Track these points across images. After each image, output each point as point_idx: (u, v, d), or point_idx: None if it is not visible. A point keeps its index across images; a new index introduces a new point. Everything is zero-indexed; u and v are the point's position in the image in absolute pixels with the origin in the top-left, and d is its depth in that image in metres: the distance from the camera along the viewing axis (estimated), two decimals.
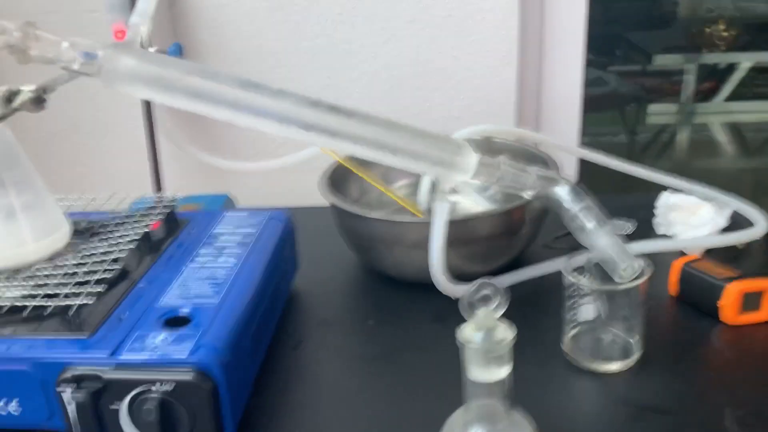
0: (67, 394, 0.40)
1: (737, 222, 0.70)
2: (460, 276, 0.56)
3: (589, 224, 0.50)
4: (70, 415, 0.41)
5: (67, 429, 0.42)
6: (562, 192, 0.52)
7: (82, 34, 0.44)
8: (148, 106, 0.81)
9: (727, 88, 2.20)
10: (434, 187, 0.67)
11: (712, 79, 2.21)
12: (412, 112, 0.89)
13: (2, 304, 0.46)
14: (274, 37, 0.85)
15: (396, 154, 0.49)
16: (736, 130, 2.25)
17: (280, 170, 0.91)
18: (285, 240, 0.60)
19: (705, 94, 2.21)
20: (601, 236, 0.50)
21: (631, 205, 0.78)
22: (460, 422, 0.40)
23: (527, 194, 0.53)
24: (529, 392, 0.49)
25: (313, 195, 0.78)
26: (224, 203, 0.78)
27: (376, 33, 0.85)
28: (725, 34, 2.05)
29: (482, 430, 0.39)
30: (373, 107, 0.86)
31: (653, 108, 2.27)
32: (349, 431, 0.46)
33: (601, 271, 0.51)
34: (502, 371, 0.38)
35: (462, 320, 0.37)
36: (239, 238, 0.57)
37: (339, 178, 0.70)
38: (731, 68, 2.19)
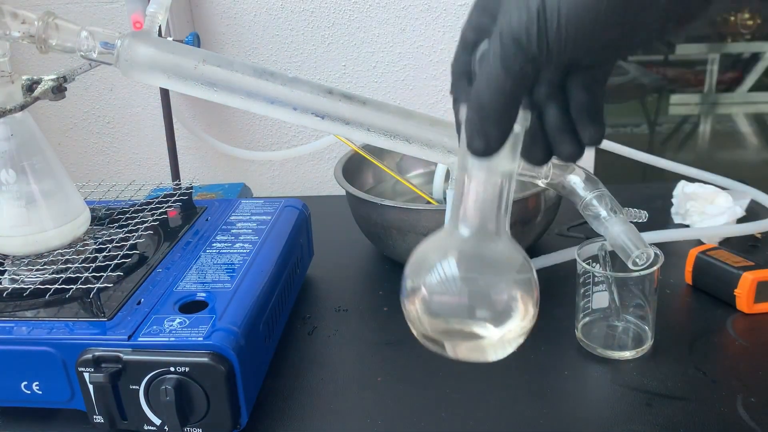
0: (88, 375, 0.42)
1: (755, 211, 0.69)
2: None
3: (603, 212, 0.50)
4: (91, 395, 0.42)
5: (88, 409, 0.43)
6: (576, 180, 0.52)
7: (101, 25, 0.45)
8: (166, 95, 0.82)
9: (751, 78, 2.15)
10: (448, 176, 0.67)
11: (736, 68, 2.17)
12: (428, 101, 0.89)
13: (24, 287, 0.47)
14: (289, 26, 0.86)
15: (410, 143, 0.49)
16: (760, 120, 2.20)
17: (295, 159, 0.92)
18: (300, 227, 0.61)
19: (728, 85, 2.17)
20: (615, 224, 0.50)
21: (647, 194, 0.77)
22: (446, 241, 0.34)
23: (541, 182, 0.53)
24: (543, 379, 0.49)
25: (329, 184, 0.79)
26: (240, 192, 0.79)
27: (392, 22, 0.85)
28: (750, 22, 2.01)
29: (471, 251, 0.33)
30: (389, 96, 0.87)
31: (675, 98, 2.23)
32: (362, 416, 0.46)
33: (615, 259, 0.50)
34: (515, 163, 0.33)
35: None
36: (255, 226, 0.57)
37: (354, 168, 0.71)
38: (755, 58, 2.14)
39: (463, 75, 0.32)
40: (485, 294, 0.32)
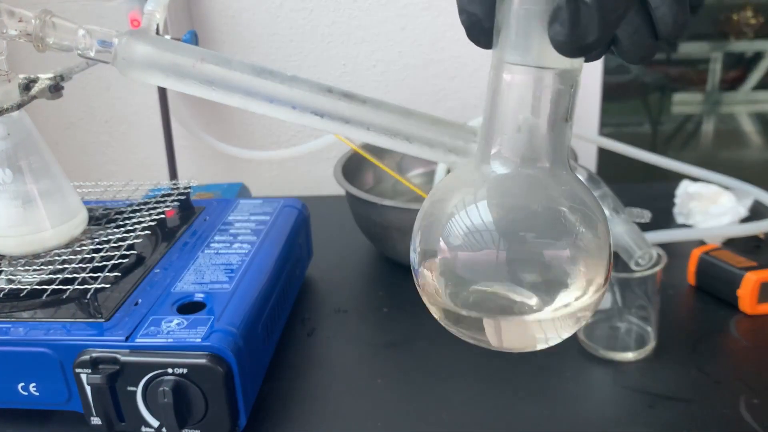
0: (85, 376, 0.41)
1: (758, 211, 0.69)
2: None
3: (606, 211, 0.50)
4: (88, 396, 0.42)
5: (85, 411, 0.43)
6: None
7: (99, 23, 0.44)
8: (163, 94, 0.81)
9: (755, 77, 2.15)
10: None
11: (739, 67, 2.16)
12: (429, 100, 0.89)
13: (21, 288, 0.47)
14: (289, 25, 0.85)
15: (410, 142, 0.48)
16: (763, 119, 2.20)
17: (294, 159, 0.92)
18: (299, 227, 0.60)
19: (731, 83, 2.17)
20: (618, 224, 0.49)
21: (650, 194, 0.77)
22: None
23: None
24: (545, 381, 0.48)
25: (328, 184, 0.78)
26: (239, 192, 0.79)
27: (392, 20, 0.84)
28: (753, 21, 2.01)
29: (510, 189, 0.23)
30: (389, 95, 0.87)
31: (678, 97, 2.22)
32: (361, 418, 0.46)
33: (617, 260, 0.50)
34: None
35: None
36: (253, 226, 0.57)
37: (354, 167, 0.70)
38: (758, 56, 2.14)
39: None
40: (534, 249, 0.23)
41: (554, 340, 0.25)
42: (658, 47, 0.23)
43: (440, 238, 0.24)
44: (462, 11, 0.23)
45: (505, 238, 0.22)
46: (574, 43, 0.21)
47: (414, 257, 0.25)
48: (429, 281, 0.25)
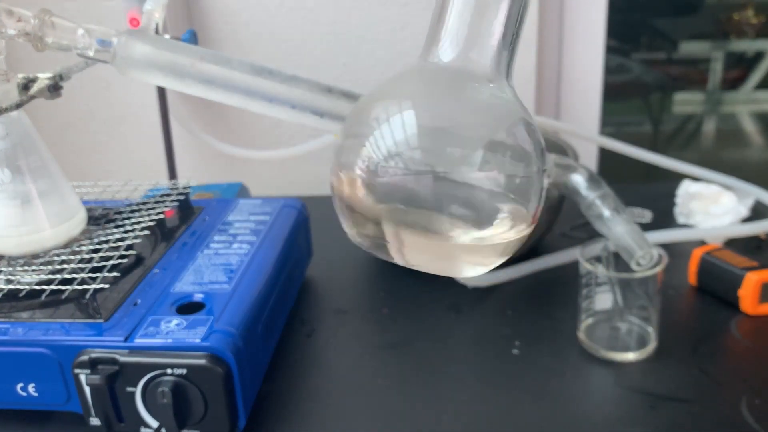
0: (84, 376, 0.41)
1: (759, 211, 0.69)
2: None
3: (606, 212, 0.50)
4: (87, 397, 0.42)
5: (84, 411, 0.43)
6: (579, 179, 0.51)
7: (98, 23, 0.44)
8: (162, 94, 0.81)
9: (756, 77, 2.14)
10: None
11: (740, 67, 2.16)
12: None
13: (20, 288, 0.46)
14: (288, 24, 0.85)
15: None
16: (764, 119, 2.19)
17: (294, 159, 0.92)
18: (298, 227, 0.60)
19: (732, 83, 2.16)
20: (618, 224, 0.49)
21: (651, 194, 0.77)
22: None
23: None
24: (545, 381, 0.48)
25: (328, 184, 0.78)
26: (238, 192, 0.78)
27: (392, 19, 0.84)
28: (754, 20, 2.00)
29: (445, 90, 0.21)
30: None
31: (679, 97, 2.22)
32: (362, 419, 0.46)
33: (618, 260, 0.50)
34: None
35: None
36: (253, 226, 0.57)
37: None
38: (760, 56, 2.14)
39: None
40: (459, 164, 0.20)
41: (480, 270, 0.23)
42: None
43: (361, 143, 0.21)
44: None
45: (430, 157, 0.20)
46: None
47: (336, 153, 0.22)
48: (341, 186, 0.22)
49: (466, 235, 0.21)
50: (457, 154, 0.20)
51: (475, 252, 0.21)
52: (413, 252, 0.22)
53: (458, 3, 0.21)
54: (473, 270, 0.23)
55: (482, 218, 0.21)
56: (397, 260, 0.22)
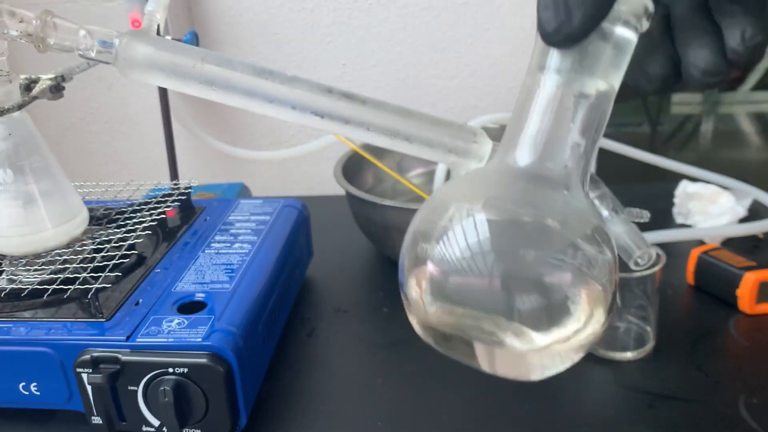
0: (86, 375, 0.41)
1: (757, 211, 0.69)
2: None
3: (605, 212, 0.50)
4: (89, 396, 0.42)
5: (86, 410, 0.43)
6: None
7: (100, 24, 0.44)
8: (164, 95, 0.81)
9: (754, 77, 2.15)
10: (449, 176, 0.66)
11: (738, 68, 2.16)
12: (429, 100, 0.89)
13: (22, 288, 0.47)
14: (289, 25, 0.85)
15: (410, 142, 0.48)
16: (762, 120, 2.20)
17: (295, 159, 0.92)
18: (299, 227, 0.60)
19: (730, 84, 2.17)
20: (617, 224, 0.49)
21: (649, 194, 0.77)
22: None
23: None
24: (544, 380, 0.48)
25: (328, 184, 0.78)
26: (239, 192, 0.79)
27: (392, 20, 0.85)
28: None
29: (520, 196, 0.21)
30: (390, 95, 0.87)
31: (677, 97, 2.22)
32: (362, 418, 0.46)
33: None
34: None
35: None
36: (254, 226, 0.57)
37: (354, 167, 0.70)
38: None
39: None
40: (533, 275, 0.20)
41: (550, 372, 0.23)
42: (726, 69, 0.21)
43: (431, 252, 0.22)
44: (558, 16, 0.20)
45: (501, 261, 0.20)
46: (541, 28, 0.20)
47: (404, 254, 0.23)
48: (415, 295, 0.22)
49: (540, 339, 0.21)
50: (531, 257, 0.20)
51: (548, 355, 0.22)
52: (485, 357, 0.22)
53: (537, 113, 0.22)
54: (551, 370, 0.23)
55: (553, 321, 0.21)
56: (473, 365, 0.23)
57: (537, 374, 0.23)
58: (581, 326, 0.21)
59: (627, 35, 0.21)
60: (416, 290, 0.22)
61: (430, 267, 0.21)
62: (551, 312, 0.21)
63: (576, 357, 0.22)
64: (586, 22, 0.19)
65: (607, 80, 0.21)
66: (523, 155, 0.22)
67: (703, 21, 0.21)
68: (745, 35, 0.20)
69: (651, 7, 0.21)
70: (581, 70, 0.21)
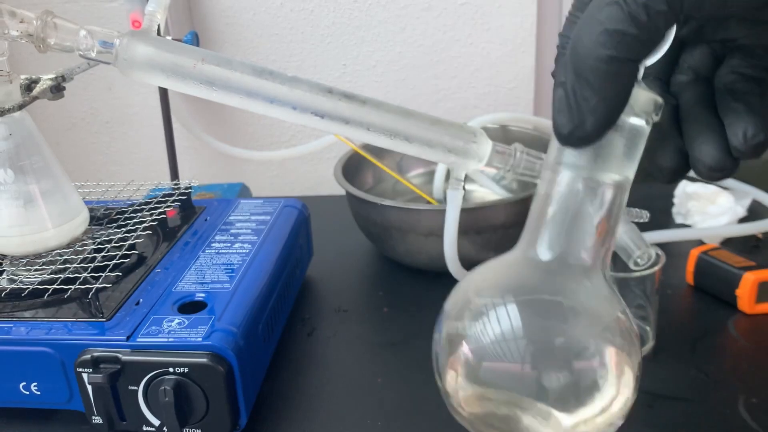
0: (86, 375, 0.41)
1: (756, 211, 0.69)
2: (474, 264, 0.56)
3: None
4: (89, 396, 0.42)
5: (86, 410, 0.43)
6: None
7: (100, 24, 0.44)
8: (164, 95, 0.81)
9: None
10: (449, 176, 0.67)
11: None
12: (429, 100, 0.89)
13: (23, 287, 0.47)
14: (289, 25, 0.85)
15: (410, 142, 0.49)
16: None
17: (295, 159, 0.92)
18: (299, 227, 0.60)
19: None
20: None
21: (649, 194, 0.77)
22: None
23: None
24: None
25: (328, 184, 0.78)
26: (239, 192, 0.79)
27: (392, 21, 0.85)
28: None
29: (546, 289, 0.23)
30: (389, 95, 0.87)
31: None
32: (362, 417, 0.46)
33: (616, 259, 0.50)
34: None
35: None
36: (254, 226, 0.57)
37: (354, 167, 0.70)
38: None
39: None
40: (561, 360, 0.22)
41: None
42: (731, 165, 0.22)
43: (464, 333, 0.23)
44: (572, 106, 0.20)
45: (532, 347, 0.22)
46: (556, 130, 0.21)
47: (438, 335, 0.24)
48: (448, 373, 0.24)
49: (569, 420, 0.22)
50: (559, 343, 0.22)
51: None
52: None
53: (556, 209, 0.23)
54: None
55: (582, 403, 0.22)
56: None
57: None
58: (607, 405, 0.22)
59: (640, 128, 0.22)
60: (452, 375, 0.24)
61: (466, 351, 0.23)
62: (580, 395, 0.22)
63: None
64: (600, 126, 0.20)
65: (621, 172, 0.23)
66: (544, 250, 0.23)
67: (709, 116, 0.22)
68: (747, 134, 0.21)
69: (661, 100, 0.22)
70: (597, 164, 0.22)
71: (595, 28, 0.19)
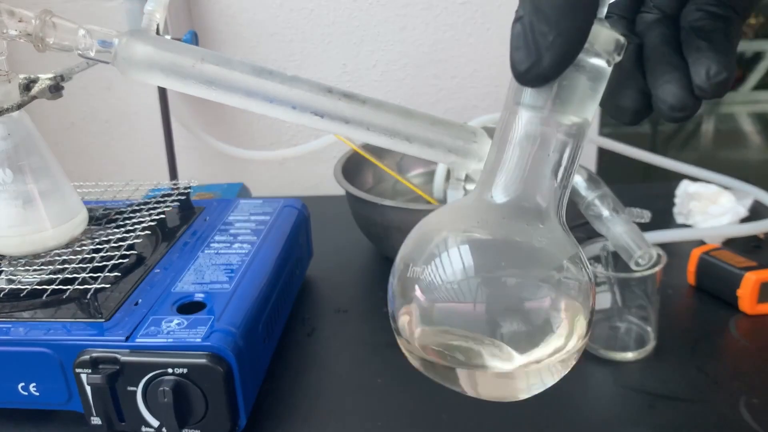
0: (85, 376, 0.41)
1: (758, 211, 0.69)
2: None
3: (605, 212, 0.50)
4: (88, 396, 0.42)
5: (85, 411, 0.43)
6: (578, 180, 0.51)
7: (99, 23, 0.44)
8: (164, 94, 0.81)
9: (754, 77, 2.15)
10: (449, 176, 0.66)
11: (739, 67, 2.16)
12: (429, 100, 0.89)
13: (21, 288, 0.47)
14: (289, 25, 0.85)
15: (410, 142, 0.48)
16: (763, 119, 2.20)
17: (295, 159, 0.92)
18: (299, 227, 0.60)
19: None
20: (617, 224, 0.49)
21: (650, 194, 0.77)
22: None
23: None
24: None
25: (328, 184, 0.78)
26: (239, 192, 0.79)
27: (392, 20, 0.84)
28: (753, 21, 2.01)
29: (499, 230, 0.23)
30: (390, 95, 0.87)
31: None
32: (361, 418, 0.46)
33: (617, 260, 0.50)
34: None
35: None
36: (253, 226, 0.57)
37: (354, 167, 0.70)
38: (758, 56, 2.14)
39: None
40: (514, 299, 0.22)
41: (536, 389, 0.25)
42: (693, 104, 0.21)
43: (419, 280, 0.23)
44: (530, 41, 0.20)
45: (485, 287, 0.22)
46: (513, 67, 0.20)
47: (391, 282, 0.25)
48: (404, 321, 0.24)
49: (523, 359, 0.23)
50: (511, 283, 0.22)
51: (534, 373, 0.24)
52: (469, 380, 0.24)
53: (513, 150, 0.23)
54: (535, 388, 0.25)
55: (536, 341, 0.23)
56: (460, 390, 0.25)
57: (523, 393, 0.25)
58: (562, 344, 0.23)
59: (600, 68, 0.22)
60: (405, 316, 0.24)
61: (419, 293, 0.23)
62: (533, 333, 0.22)
63: (557, 375, 0.24)
64: (558, 62, 0.20)
65: (581, 114, 0.22)
66: (499, 194, 0.23)
67: (673, 56, 0.21)
68: (710, 72, 0.20)
69: (623, 40, 0.21)
70: (555, 105, 0.22)
71: None
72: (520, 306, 0.22)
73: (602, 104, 0.23)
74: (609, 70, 0.22)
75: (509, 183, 0.23)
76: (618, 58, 0.22)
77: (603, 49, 0.21)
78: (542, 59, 0.20)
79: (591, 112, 0.22)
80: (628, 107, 0.22)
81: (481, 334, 0.22)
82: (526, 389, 0.25)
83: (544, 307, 0.22)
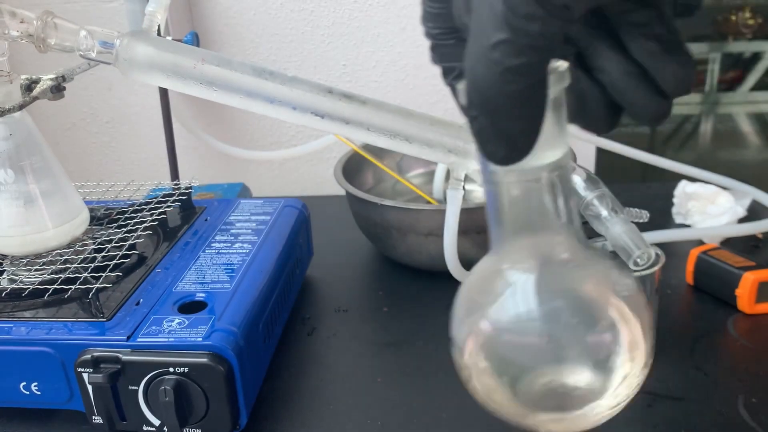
0: (87, 375, 0.41)
1: (756, 211, 0.69)
2: (474, 264, 0.56)
3: (604, 212, 0.50)
4: (90, 396, 0.42)
5: (87, 410, 0.43)
6: (577, 180, 0.51)
7: (100, 24, 0.44)
8: (165, 95, 0.81)
9: (752, 78, 2.15)
10: (449, 176, 0.67)
11: (737, 68, 2.16)
12: (429, 100, 0.89)
13: (23, 287, 0.47)
14: (289, 25, 0.85)
15: (410, 142, 0.49)
16: (761, 120, 2.20)
17: (295, 159, 0.92)
18: (299, 227, 0.60)
19: (729, 84, 2.17)
20: (616, 223, 0.49)
21: (649, 194, 0.77)
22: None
23: None
24: None
25: (328, 184, 0.78)
26: (239, 192, 0.79)
27: (392, 21, 0.85)
28: (751, 22, 2.01)
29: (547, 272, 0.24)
30: (390, 95, 0.87)
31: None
32: (362, 417, 0.46)
33: (616, 259, 0.50)
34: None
35: None
36: (254, 226, 0.57)
37: (354, 167, 0.70)
38: (756, 57, 2.14)
39: (445, 33, 0.23)
40: (575, 331, 0.23)
41: (613, 412, 0.26)
42: (669, 106, 0.21)
43: (485, 319, 0.25)
44: (496, 136, 0.20)
45: (548, 322, 0.23)
46: (491, 160, 0.21)
47: (457, 333, 0.26)
48: (468, 357, 0.26)
49: (605, 391, 0.24)
50: (574, 322, 0.23)
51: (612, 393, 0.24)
52: (557, 420, 0.25)
53: (512, 213, 0.24)
54: (614, 409, 0.26)
55: (602, 377, 0.24)
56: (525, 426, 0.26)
57: (601, 415, 0.25)
58: (629, 370, 0.24)
59: (556, 98, 0.21)
60: (470, 351, 0.26)
61: (486, 329, 0.25)
62: (603, 367, 0.23)
63: (633, 389, 0.25)
64: (532, 139, 0.20)
65: (558, 146, 0.22)
66: (523, 250, 0.24)
67: (631, 64, 0.21)
68: (677, 78, 0.20)
69: (564, 65, 0.21)
70: (534, 154, 0.21)
71: (493, 69, 0.19)
72: (584, 339, 0.23)
73: (573, 122, 0.23)
74: (563, 95, 0.22)
75: (524, 242, 0.23)
76: (568, 81, 0.22)
77: (553, 85, 0.21)
78: (517, 144, 0.20)
79: (565, 139, 0.22)
80: (601, 121, 0.22)
81: (558, 375, 0.24)
82: (608, 412, 0.25)
83: (606, 340, 0.23)
